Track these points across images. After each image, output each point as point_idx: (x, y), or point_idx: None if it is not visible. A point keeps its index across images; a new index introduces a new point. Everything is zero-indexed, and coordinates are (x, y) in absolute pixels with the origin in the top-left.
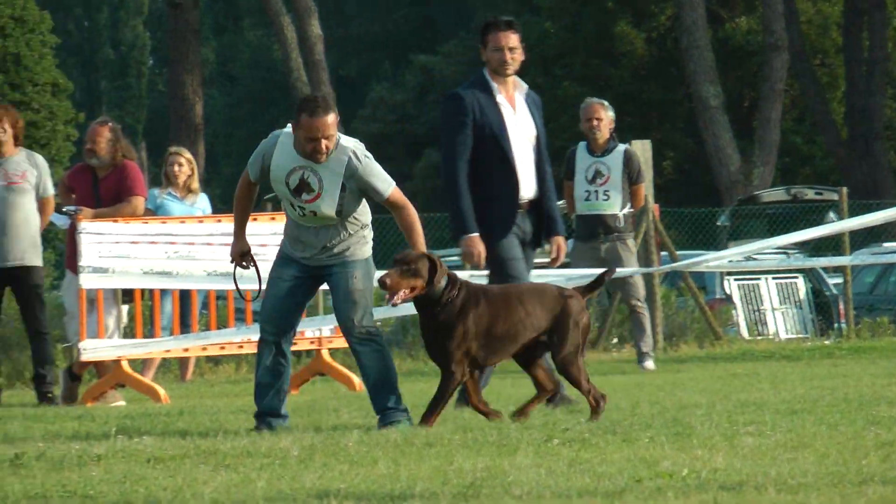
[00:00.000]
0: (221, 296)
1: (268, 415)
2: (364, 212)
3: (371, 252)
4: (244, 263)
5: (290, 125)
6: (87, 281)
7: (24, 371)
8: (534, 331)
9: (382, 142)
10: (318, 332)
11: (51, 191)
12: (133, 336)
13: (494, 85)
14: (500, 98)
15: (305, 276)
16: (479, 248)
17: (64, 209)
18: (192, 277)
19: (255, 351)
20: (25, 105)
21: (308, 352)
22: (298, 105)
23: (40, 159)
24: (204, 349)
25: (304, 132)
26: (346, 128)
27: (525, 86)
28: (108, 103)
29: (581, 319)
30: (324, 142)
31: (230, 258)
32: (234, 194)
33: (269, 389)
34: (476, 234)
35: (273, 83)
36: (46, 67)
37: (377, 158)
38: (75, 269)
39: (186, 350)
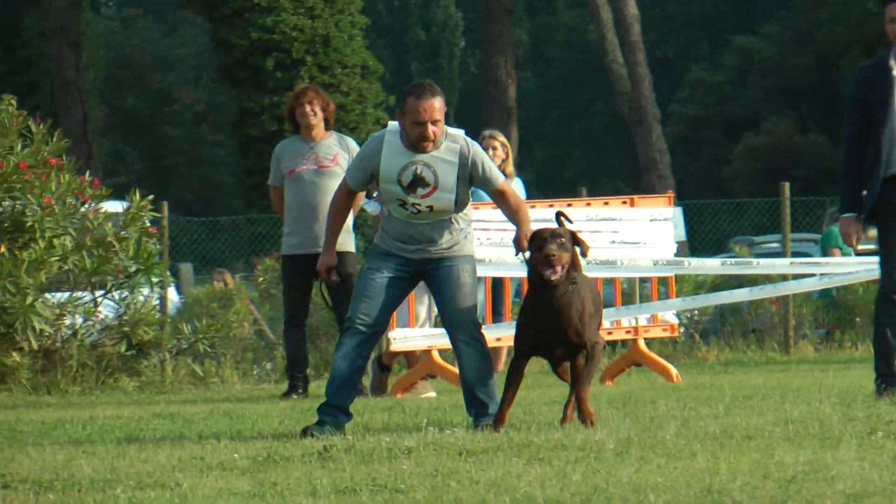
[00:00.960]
0: None
1: (337, 409)
2: (469, 206)
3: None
4: (333, 278)
5: (391, 123)
6: None
7: (331, 361)
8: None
9: (700, 124)
10: (633, 320)
11: None
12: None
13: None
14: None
15: (404, 272)
16: (852, 229)
17: (375, 194)
18: (505, 265)
19: None
20: (334, 88)
21: (623, 342)
22: (403, 94)
23: (351, 142)
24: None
25: (410, 116)
26: (663, 112)
27: None
28: None
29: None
30: (430, 127)
31: (317, 270)
32: (330, 206)
33: (344, 383)
34: (850, 215)
35: (587, 65)
36: (356, 49)
37: (695, 142)
38: None
39: (499, 339)
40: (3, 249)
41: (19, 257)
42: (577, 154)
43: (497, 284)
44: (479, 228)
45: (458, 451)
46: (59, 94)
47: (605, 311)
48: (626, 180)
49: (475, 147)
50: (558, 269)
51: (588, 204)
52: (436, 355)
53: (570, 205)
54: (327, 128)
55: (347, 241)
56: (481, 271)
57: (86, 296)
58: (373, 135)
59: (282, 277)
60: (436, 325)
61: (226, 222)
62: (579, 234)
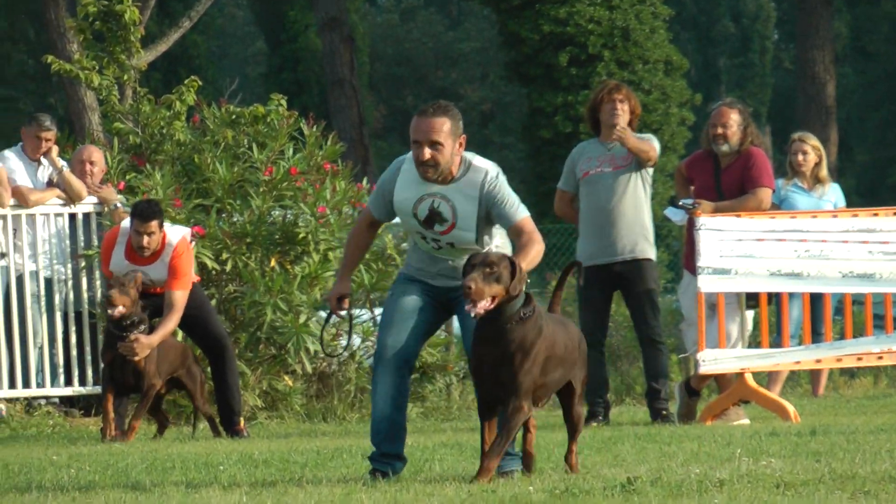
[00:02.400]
0: (858, 300)
1: (391, 457)
2: (496, 235)
3: None
4: (342, 309)
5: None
6: (707, 283)
7: (634, 385)
8: (567, 375)
9: None
10: None
11: None
12: (758, 345)
13: None
14: None
15: (432, 300)
16: None
17: (680, 202)
18: (825, 279)
19: (892, 362)
20: (635, 85)
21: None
22: None
23: (654, 141)
24: (839, 360)
25: (411, 135)
26: None
27: None
28: (728, 83)
29: None
30: (427, 150)
31: (326, 301)
32: (349, 235)
33: (392, 426)
34: None
35: None
36: (659, 43)
37: None
38: (693, 270)
39: (819, 361)
40: (273, 263)
41: (291, 272)
42: None
43: (816, 301)
44: (796, 240)
45: (774, 484)
46: (331, 93)
47: None
48: None
49: (499, 181)
50: (480, 303)
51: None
52: (749, 378)
53: None
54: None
55: (647, 249)
56: (799, 286)
57: (364, 314)
58: (396, 160)
59: (578, 293)
60: (749, 346)
61: None
62: (520, 267)
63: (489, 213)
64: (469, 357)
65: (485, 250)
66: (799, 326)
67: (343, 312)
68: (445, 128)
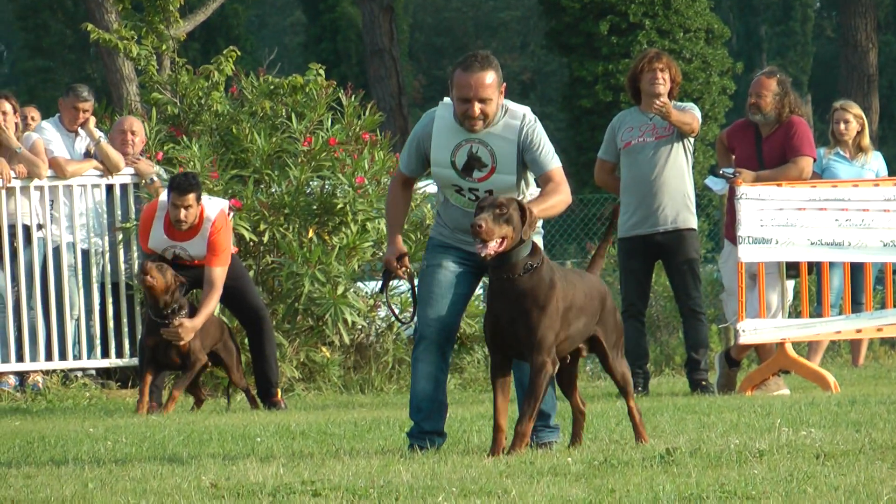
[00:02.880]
0: None
1: (432, 434)
2: (531, 187)
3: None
4: (403, 269)
5: (446, 99)
6: (747, 253)
7: (674, 355)
8: (592, 326)
9: None
10: None
11: None
12: (798, 315)
13: None
14: None
15: (468, 267)
16: None
17: (721, 171)
18: (866, 248)
19: None
20: (676, 54)
21: None
22: (455, 64)
23: (694, 110)
24: (879, 330)
25: (456, 91)
26: None
27: None
28: (769, 51)
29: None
30: (477, 105)
31: (385, 266)
32: (387, 201)
33: (434, 406)
34: None
35: None
36: (700, 11)
37: None
38: (734, 240)
39: (859, 331)
40: (311, 234)
41: (329, 243)
42: None
43: (856, 271)
44: (837, 209)
45: (815, 454)
46: (370, 63)
47: None
48: None
49: (537, 126)
50: (490, 243)
51: (814, 186)
52: (789, 348)
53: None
54: (672, 96)
55: (689, 218)
56: (839, 256)
57: (402, 285)
58: (427, 112)
59: (618, 263)
60: (790, 316)
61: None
62: (530, 211)
63: (524, 158)
64: (484, 321)
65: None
66: (839, 296)
67: (404, 271)
68: (492, 81)
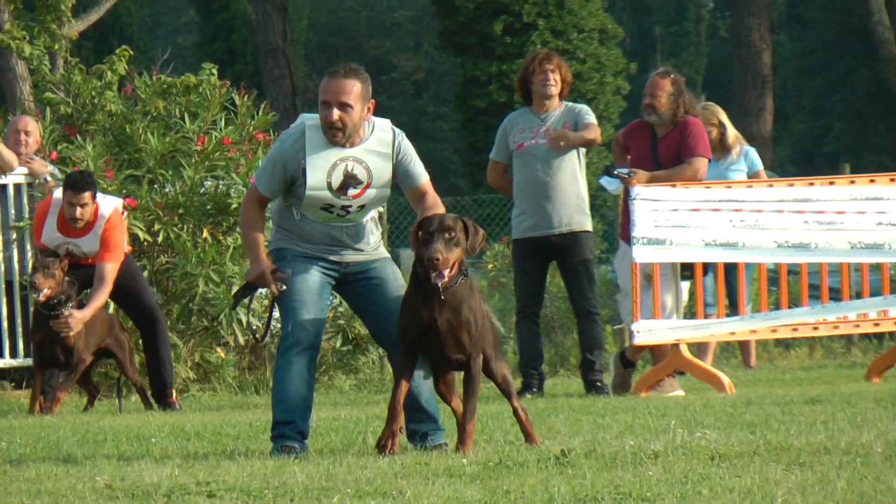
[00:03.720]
0: (793, 270)
1: (304, 435)
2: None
3: None
4: (278, 280)
5: (302, 118)
6: (642, 254)
7: (569, 356)
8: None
9: None
10: None
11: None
12: (693, 316)
13: None
14: None
15: (329, 277)
16: None
17: (616, 171)
18: (760, 249)
19: (827, 333)
20: (570, 54)
21: (891, 335)
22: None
23: (585, 111)
24: (773, 331)
25: (320, 96)
26: None
27: None
28: (663, 51)
29: None
30: (336, 111)
31: (256, 283)
32: (244, 221)
33: (304, 404)
34: None
35: (850, 28)
36: (593, 11)
37: None
38: (629, 240)
39: (754, 332)
40: (205, 234)
41: (223, 243)
42: (838, 127)
43: (730, 272)
44: (731, 209)
45: (709, 456)
46: (264, 63)
47: (871, 300)
48: (893, 156)
49: (405, 140)
50: (445, 272)
51: (852, 182)
52: (684, 349)
53: (832, 182)
54: (561, 98)
55: (583, 220)
56: (734, 256)
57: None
58: (288, 132)
59: (513, 264)
60: (685, 317)
61: (449, 204)
62: (472, 225)
63: (396, 171)
64: (402, 325)
65: (431, 214)
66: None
67: (278, 285)
68: (356, 90)
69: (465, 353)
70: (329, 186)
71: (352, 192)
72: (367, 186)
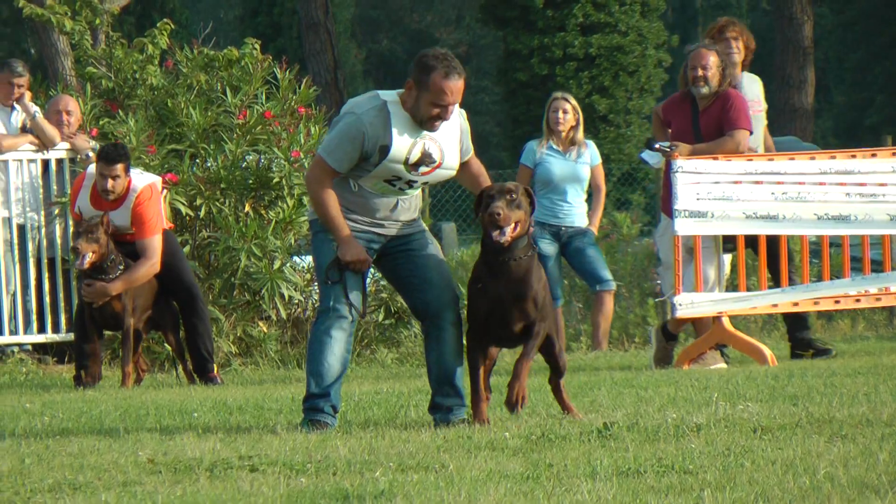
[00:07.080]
0: (835, 242)
1: (333, 409)
2: None
3: None
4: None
5: (377, 94)
6: (683, 227)
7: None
8: None
9: None
10: None
11: None
12: (735, 289)
13: None
14: None
15: (373, 249)
16: None
17: (657, 145)
18: (802, 221)
19: (869, 305)
20: (611, 27)
21: None
22: (422, 63)
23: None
24: (815, 303)
25: (431, 95)
26: None
27: None
28: (704, 24)
29: None
30: (450, 109)
31: (353, 264)
32: (318, 198)
33: (336, 381)
34: None
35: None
36: None
37: None
38: (670, 214)
39: (796, 304)
40: (248, 208)
41: (265, 217)
42: (880, 99)
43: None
44: (773, 182)
45: (752, 428)
46: (306, 37)
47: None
48: None
49: (465, 117)
50: (507, 229)
51: (894, 154)
52: (727, 322)
53: (874, 154)
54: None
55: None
56: (775, 229)
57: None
58: (363, 106)
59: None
60: (727, 289)
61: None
62: (531, 192)
63: (461, 147)
64: (472, 306)
65: (491, 183)
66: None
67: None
68: (464, 85)
69: (528, 320)
70: (406, 161)
71: (423, 169)
72: (438, 166)
